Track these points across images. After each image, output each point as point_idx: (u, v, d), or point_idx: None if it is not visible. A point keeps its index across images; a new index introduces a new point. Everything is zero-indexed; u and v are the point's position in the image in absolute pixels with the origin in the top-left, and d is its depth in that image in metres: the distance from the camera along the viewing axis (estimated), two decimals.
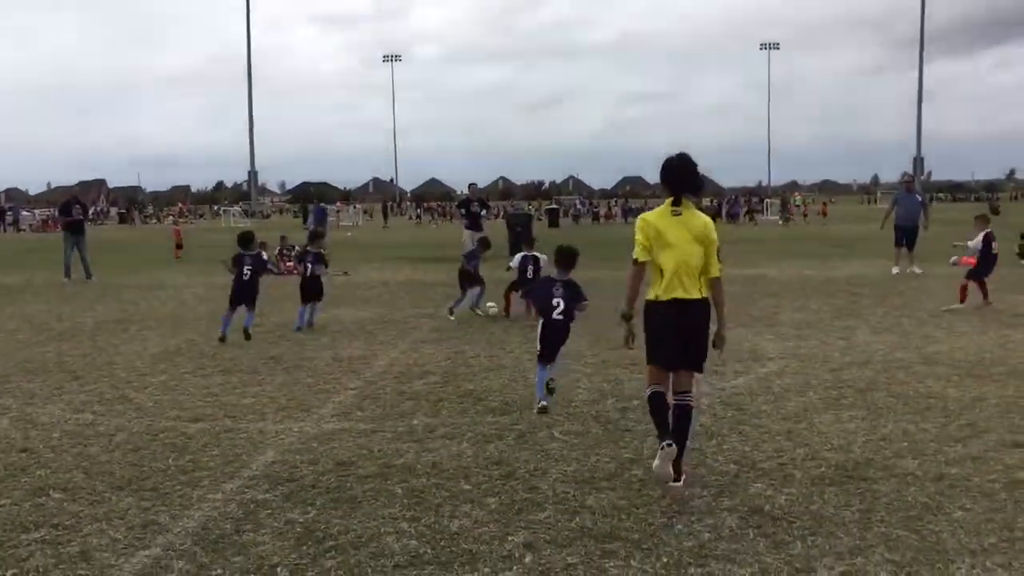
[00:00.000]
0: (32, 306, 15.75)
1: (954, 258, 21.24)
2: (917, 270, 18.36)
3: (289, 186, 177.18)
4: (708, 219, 5.64)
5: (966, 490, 5.29)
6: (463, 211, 20.80)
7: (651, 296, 5.52)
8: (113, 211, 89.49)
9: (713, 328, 5.57)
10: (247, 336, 11.31)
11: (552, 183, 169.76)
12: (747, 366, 9.16)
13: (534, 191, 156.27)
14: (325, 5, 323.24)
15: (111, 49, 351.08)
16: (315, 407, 7.74)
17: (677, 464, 5.39)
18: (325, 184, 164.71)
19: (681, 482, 5.40)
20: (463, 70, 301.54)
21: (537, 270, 12.75)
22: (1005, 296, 14.39)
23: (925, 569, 4.23)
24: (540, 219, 52.91)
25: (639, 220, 5.68)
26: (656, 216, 5.57)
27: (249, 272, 11.63)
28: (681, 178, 5.52)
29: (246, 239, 12.11)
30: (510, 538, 4.71)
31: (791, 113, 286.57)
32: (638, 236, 5.56)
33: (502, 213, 48.11)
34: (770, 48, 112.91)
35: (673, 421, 5.45)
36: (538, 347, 7.73)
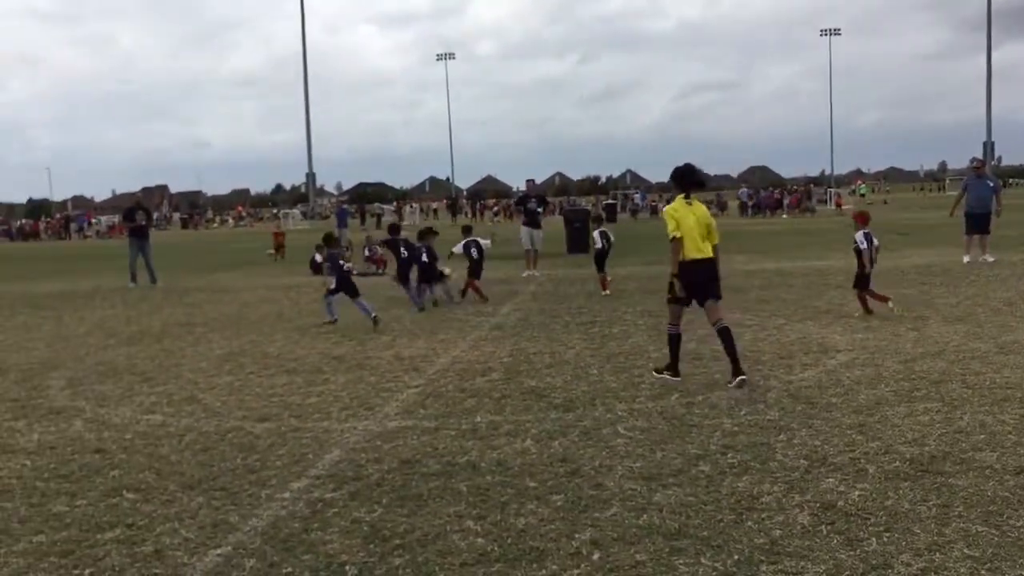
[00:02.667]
0: (101, 311, 16.16)
1: None
2: (989, 258, 17.73)
3: (346, 187, 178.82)
4: (704, 207, 8.38)
5: None
6: (521, 208, 20.79)
7: (682, 258, 7.99)
8: (176, 216, 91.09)
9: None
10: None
11: (609, 177, 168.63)
12: (815, 359, 8.98)
13: (590, 186, 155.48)
14: (383, 5, 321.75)
15: (172, 54, 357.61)
16: (379, 405, 7.78)
17: (738, 368, 7.92)
18: (381, 184, 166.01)
19: (743, 376, 7.86)
20: (521, 64, 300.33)
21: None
22: None
23: (1006, 565, 4.08)
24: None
25: (668, 210, 8.19)
26: (678, 206, 8.14)
27: (426, 259, 14.44)
28: (689, 180, 8.31)
29: (424, 233, 15.07)
30: (577, 535, 4.66)
31: (856, 100, 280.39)
32: (670, 222, 8.02)
33: (559, 210, 47.99)
34: (831, 34, 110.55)
35: (721, 342, 8.05)
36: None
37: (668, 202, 8.77)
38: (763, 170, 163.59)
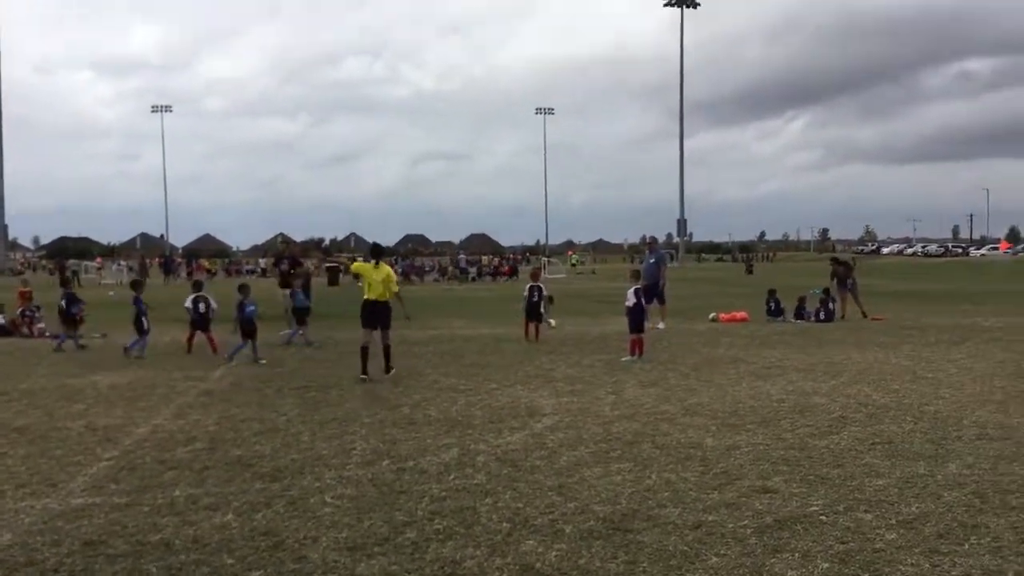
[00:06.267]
0: None
1: (712, 314, 22.81)
2: (660, 325, 19.26)
3: (45, 241, 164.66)
4: (388, 268, 12.93)
5: (721, 536, 5.57)
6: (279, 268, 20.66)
7: (364, 298, 12.66)
8: None
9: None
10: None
11: (333, 240, 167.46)
12: (523, 422, 9.31)
13: (313, 248, 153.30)
14: (107, 51, 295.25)
15: None
16: (63, 481, 7.10)
17: (388, 367, 12.62)
18: (86, 239, 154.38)
19: (391, 373, 12.53)
20: (251, 123, 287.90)
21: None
22: (758, 350, 15.53)
23: None
24: (320, 276, 52.00)
25: (360, 265, 13.18)
26: (368, 266, 12.77)
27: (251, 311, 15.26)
28: (378, 252, 12.98)
29: (245, 288, 15.89)
30: None
31: (572, 176, 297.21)
32: (356, 267, 13.49)
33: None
34: (545, 113, 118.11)
35: (383, 354, 12.62)
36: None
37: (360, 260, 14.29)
38: (483, 237, 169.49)
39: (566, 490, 6.68)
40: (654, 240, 23.30)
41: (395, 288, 12.79)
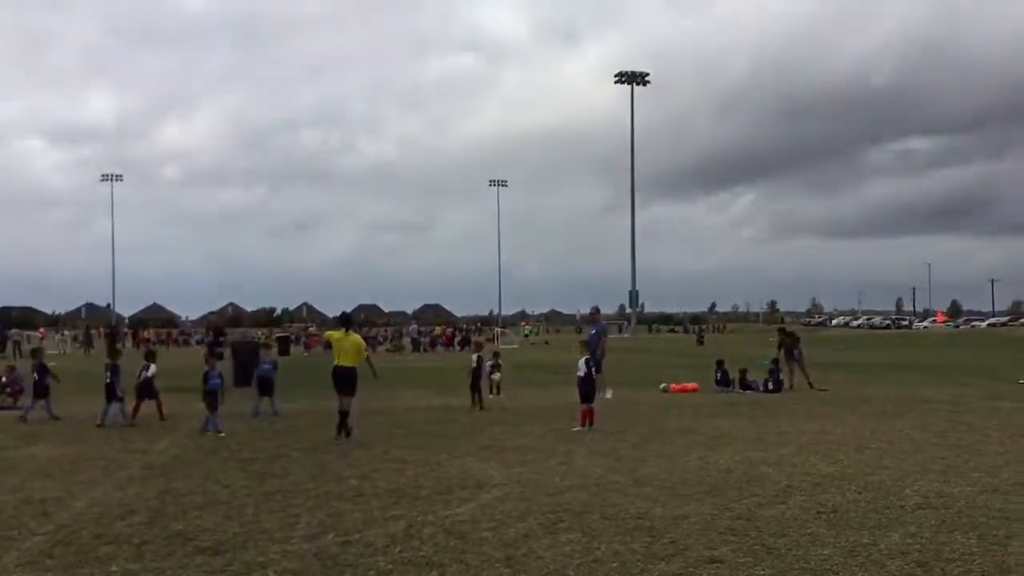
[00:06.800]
0: None
1: (663, 384, 22.98)
2: (607, 395, 19.38)
3: None
4: (358, 336, 14.26)
5: None
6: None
7: (335, 364, 13.58)
8: None
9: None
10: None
11: (285, 309, 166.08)
12: (472, 493, 9.24)
13: (265, 317, 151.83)
14: (60, 119, 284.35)
15: None
16: None
17: (346, 428, 13.38)
18: (30, 308, 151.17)
19: (352, 434, 13.34)
20: (206, 192, 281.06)
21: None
22: (708, 420, 15.64)
23: None
24: (271, 346, 51.42)
25: (331, 333, 14.63)
26: (339, 334, 13.86)
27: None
28: (347, 320, 14.49)
29: (213, 360, 15.93)
30: None
31: (526, 246, 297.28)
32: (327, 334, 16.92)
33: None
34: (498, 185, 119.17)
35: (340, 418, 13.40)
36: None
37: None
38: (436, 308, 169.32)
39: (514, 562, 6.62)
40: (596, 311, 23.64)
41: (365, 354, 13.92)
